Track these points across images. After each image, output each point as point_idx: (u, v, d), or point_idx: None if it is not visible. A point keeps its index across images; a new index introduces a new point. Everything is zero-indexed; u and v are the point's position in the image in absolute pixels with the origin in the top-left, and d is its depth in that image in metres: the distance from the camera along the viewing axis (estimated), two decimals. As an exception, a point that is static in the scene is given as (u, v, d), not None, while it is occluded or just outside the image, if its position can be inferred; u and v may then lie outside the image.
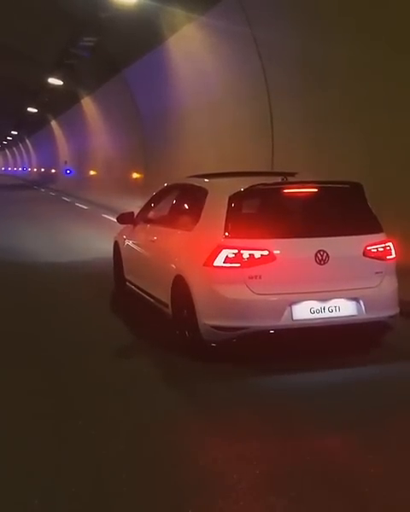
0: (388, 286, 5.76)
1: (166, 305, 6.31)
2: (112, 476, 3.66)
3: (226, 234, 5.50)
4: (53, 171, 44.69)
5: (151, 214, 7.73)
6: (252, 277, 5.39)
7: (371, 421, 4.44)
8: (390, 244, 5.83)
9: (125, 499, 3.43)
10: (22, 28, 19.88)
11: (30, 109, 36.02)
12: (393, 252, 5.82)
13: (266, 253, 5.41)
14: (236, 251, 5.40)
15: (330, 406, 4.69)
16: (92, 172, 31.48)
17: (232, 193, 5.69)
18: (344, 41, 9.20)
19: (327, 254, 5.48)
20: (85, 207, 24.39)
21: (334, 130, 10.17)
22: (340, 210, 6.12)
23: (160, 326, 6.67)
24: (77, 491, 3.51)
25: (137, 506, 3.37)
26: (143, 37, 16.32)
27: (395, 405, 4.72)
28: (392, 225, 6.24)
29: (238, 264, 5.40)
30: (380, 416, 4.52)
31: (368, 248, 5.70)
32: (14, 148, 70.31)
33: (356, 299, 5.57)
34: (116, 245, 8.61)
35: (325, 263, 5.48)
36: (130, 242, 7.99)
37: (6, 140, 67.15)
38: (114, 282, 8.66)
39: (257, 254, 5.40)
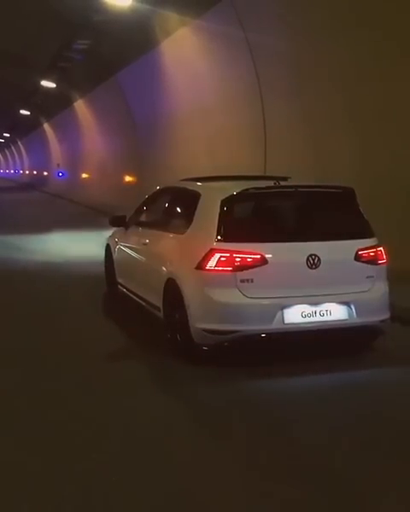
0: (379, 290, 5.78)
1: (158, 309, 6.31)
2: (103, 479, 3.65)
3: (218, 237, 5.51)
4: (45, 173, 44.60)
5: (143, 217, 7.73)
6: (244, 281, 5.39)
7: (360, 424, 4.45)
8: (382, 248, 5.85)
9: (116, 502, 3.41)
10: (16, 31, 19.84)
11: (23, 112, 35.93)
12: (384, 256, 5.84)
13: (257, 256, 5.42)
14: (228, 254, 5.41)
15: (321, 410, 4.69)
16: (85, 175, 31.44)
17: (225, 196, 5.70)
18: (337, 44, 9.24)
19: (319, 258, 5.49)
20: (77, 210, 24.35)
21: (328, 134, 10.21)
22: (332, 214, 6.14)
23: (151, 329, 6.66)
24: (68, 494, 3.49)
25: (128, 510, 3.35)
26: (136, 40, 16.34)
27: (384, 410, 4.72)
28: (384, 229, 6.26)
29: (230, 268, 5.40)
30: (370, 420, 4.52)
31: (360, 253, 5.71)
32: (7, 151, 70.09)
33: (347, 304, 5.58)
34: (108, 248, 8.60)
35: (316, 267, 5.49)
36: (122, 245, 7.98)
37: (-2, 142, 66.94)
38: (106, 285, 8.65)
39: (249, 258, 5.41)
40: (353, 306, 5.58)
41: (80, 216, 22.13)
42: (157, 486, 3.59)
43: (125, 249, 7.82)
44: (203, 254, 5.48)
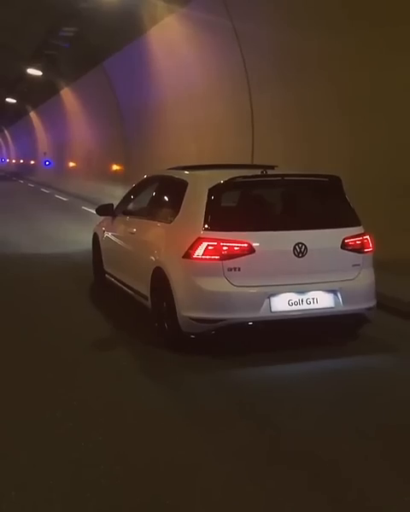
0: (365, 278, 5.81)
1: (146, 297, 6.32)
2: (90, 468, 3.66)
3: (206, 226, 5.51)
4: (32, 162, 44.34)
5: (131, 206, 7.72)
6: (231, 269, 5.41)
7: (347, 411, 4.49)
8: (368, 237, 5.88)
9: (103, 491, 3.43)
10: (1, 18, 19.63)
11: (9, 100, 35.65)
12: (371, 244, 5.88)
13: (245, 245, 5.43)
14: (215, 243, 5.42)
15: (307, 397, 4.73)
16: (72, 164, 31.28)
17: (212, 185, 5.70)
18: (325, 33, 9.22)
19: (305, 247, 5.52)
20: (64, 199, 24.24)
21: (315, 123, 10.20)
22: (319, 203, 6.18)
23: (139, 318, 6.67)
24: (54, 483, 3.50)
25: (115, 498, 3.37)
26: (123, 28, 16.22)
27: (370, 396, 4.77)
28: (370, 218, 6.29)
29: (217, 257, 5.41)
30: (356, 407, 4.56)
31: (346, 241, 5.74)
32: (-7, 139, 69.48)
33: (334, 292, 5.62)
34: (95, 237, 8.58)
35: (303, 255, 5.52)
36: (109, 234, 7.97)
37: (-16, 131, 66.30)
38: (94, 275, 8.64)
39: (236, 247, 5.43)
40: (339, 294, 5.61)
41: (67, 205, 22.03)
42: (145, 474, 3.61)
43: (113, 238, 7.81)
44: (191, 243, 5.49)
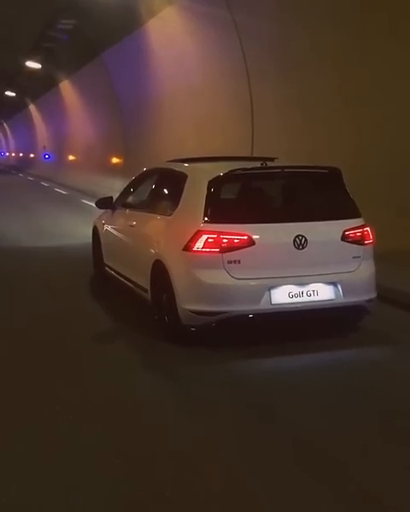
0: (365, 270, 5.81)
1: (146, 290, 6.31)
2: (90, 461, 3.67)
3: (206, 219, 5.50)
4: (31, 155, 44.23)
5: (130, 199, 7.70)
6: (231, 262, 5.40)
7: (347, 403, 4.49)
8: (368, 229, 5.87)
9: (102, 483, 3.43)
10: (-1, 10, 19.54)
11: (8, 93, 35.57)
12: (371, 236, 5.87)
13: (244, 237, 5.42)
14: (215, 236, 5.41)
15: (307, 389, 4.73)
16: (71, 157, 31.22)
17: (212, 177, 5.68)
18: (325, 26, 9.17)
19: (305, 239, 5.50)
20: (64, 192, 24.21)
21: (314, 116, 10.17)
22: (319, 195, 6.17)
23: (139, 311, 6.67)
24: (54, 476, 3.50)
25: (114, 490, 3.37)
26: (121, 19, 16.15)
27: (370, 388, 4.77)
28: (372, 210, 6.27)
29: (217, 249, 5.41)
30: (356, 398, 4.56)
31: (346, 233, 5.73)
32: (-8, 133, 69.31)
33: (334, 284, 5.61)
34: (95, 230, 8.57)
35: (303, 247, 5.50)
36: (109, 227, 7.96)
37: (-17, 124, 66.16)
38: (94, 268, 8.63)
39: (236, 239, 5.42)
40: (339, 286, 5.61)
41: (67, 198, 22.00)
42: (145, 466, 3.61)
43: (113, 231, 7.80)
44: (190, 236, 5.48)
